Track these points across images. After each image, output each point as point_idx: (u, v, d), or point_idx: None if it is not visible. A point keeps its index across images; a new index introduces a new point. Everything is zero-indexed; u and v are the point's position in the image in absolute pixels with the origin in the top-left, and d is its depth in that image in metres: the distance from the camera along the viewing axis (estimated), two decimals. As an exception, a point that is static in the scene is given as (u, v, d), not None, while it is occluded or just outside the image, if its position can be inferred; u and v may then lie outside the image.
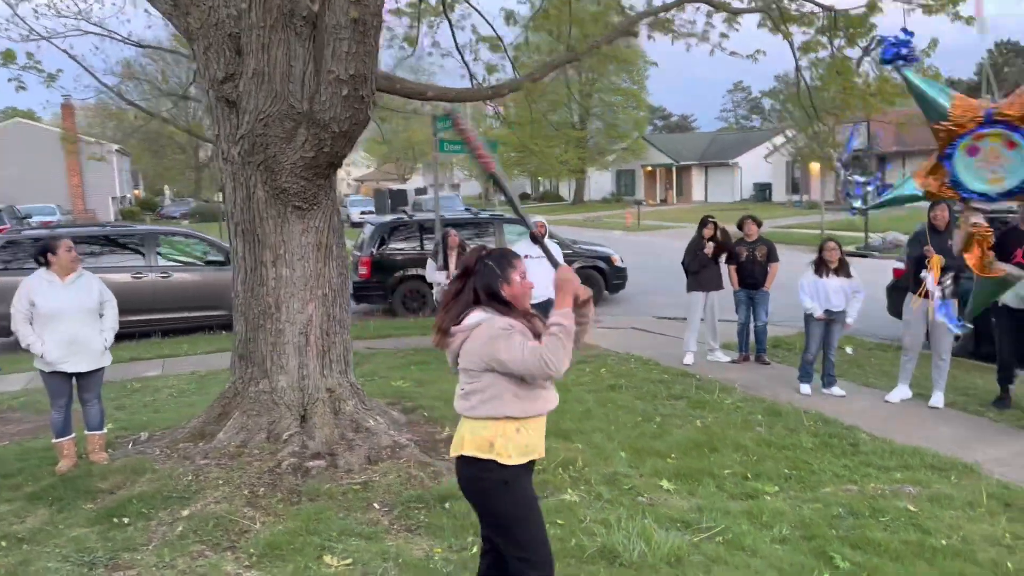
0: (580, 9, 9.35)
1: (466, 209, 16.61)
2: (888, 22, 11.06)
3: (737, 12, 9.14)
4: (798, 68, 10.04)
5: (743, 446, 5.97)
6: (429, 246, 13.41)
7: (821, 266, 7.58)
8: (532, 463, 3.03)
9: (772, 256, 8.68)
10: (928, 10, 10.04)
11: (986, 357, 8.90)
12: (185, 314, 12.01)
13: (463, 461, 2.98)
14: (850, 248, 18.59)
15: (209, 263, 12.50)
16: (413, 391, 7.71)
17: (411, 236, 13.73)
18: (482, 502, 2.99)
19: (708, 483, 5.23)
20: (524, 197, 64.51)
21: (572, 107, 44.45)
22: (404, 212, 15.49)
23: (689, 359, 8.97)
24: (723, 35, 9.60)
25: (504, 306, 2.98)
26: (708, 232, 8.85)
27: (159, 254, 12.16)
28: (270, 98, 5.31)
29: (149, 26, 68.35)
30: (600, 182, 54.76)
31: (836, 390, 7.60)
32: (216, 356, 10.19)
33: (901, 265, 10.25)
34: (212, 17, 5.37)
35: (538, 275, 8.99)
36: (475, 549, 4.17)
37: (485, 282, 3.00)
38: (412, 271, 13.39)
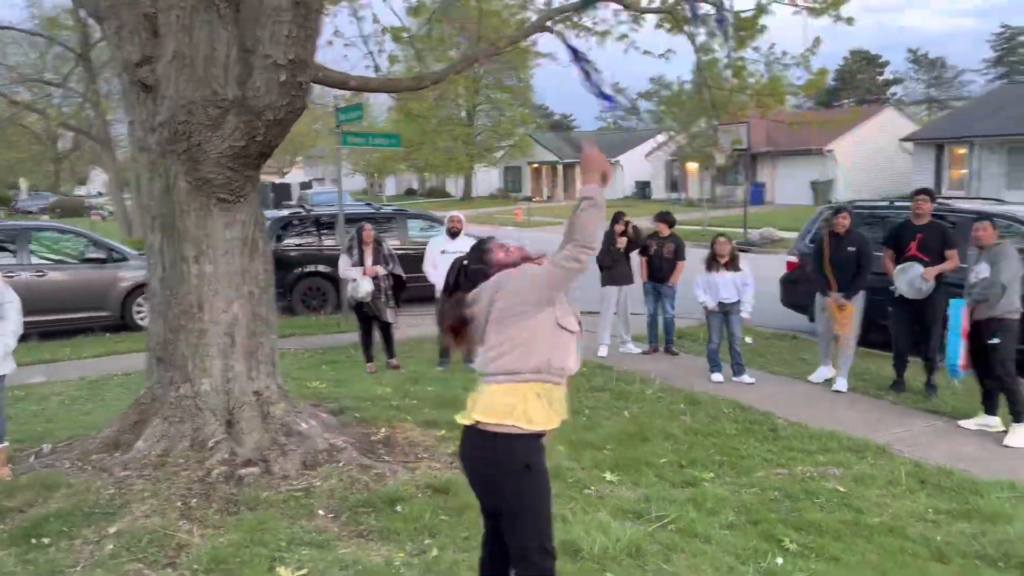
0: (491, 2, 9.32)
1: (366, 204, 16.20)
2: (777, 23, 11.55)
3: (645, 11, 9.34)
4: (699, 68, 10.37)
5: (672, 435, 6.12)
6: (328, 241, 13.01)
7: (712, 261, 7.90)
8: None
9: (680, 254, 8.96)
10: (814, 12, 10.60)
11: (874, 344, 9.54)
12: (64, 316, 11.14)
13: (477, 431, 2.88)
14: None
15: (87, 261, 11.65)
16: (332, 392, 7.46)
17: (308, 231, 13.26)
18: (503, 478, 2.87)
19: (648, 472, 5.32)
20: (410, 192, 63.96)
21: (460, 103, 44.40)
22: (302, 206, 14.93)
23: (603, 351, 9.12)
24: (624, 35, 9.79)
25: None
26: (620, 228, 9.02)
27: (32, 252, 11.23)
28: (192, 83, 4.97)
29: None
30: (487, 179, 54.97)
31: (746, 378, 7.94)
32: (106, 360, 9.53)
33: (794, 259, 10.83)
34: (125, -5, 4.97)
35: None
36: (435, 552, 4.07)
37: (477, 277, 2.92)
38: (311, 267, 12.96)
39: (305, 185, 45.53)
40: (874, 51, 72.32)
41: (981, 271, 6.21)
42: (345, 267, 8.56)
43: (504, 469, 2.86)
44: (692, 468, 5.43)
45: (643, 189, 44.50)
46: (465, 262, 3.06)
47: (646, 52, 8.73)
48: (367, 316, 8.66)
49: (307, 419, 5.53)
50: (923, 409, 6.97)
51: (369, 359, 8.73)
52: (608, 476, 5.22)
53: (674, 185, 41.79)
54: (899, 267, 7.35)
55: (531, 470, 2.84)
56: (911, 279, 7.22)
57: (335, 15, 10.33)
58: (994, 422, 6.29)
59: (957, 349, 6.29)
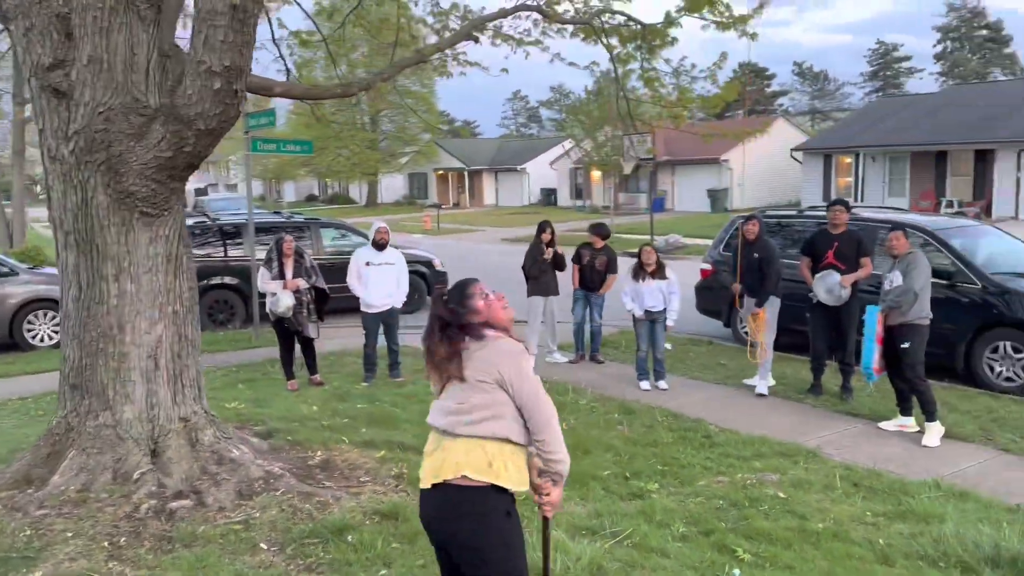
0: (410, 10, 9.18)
1: (274, 212, 15.64)
2: (686, 35, 11.94)
3: (565, 22, 9.40)
4: (617, 78, 10.52)
5: (612, 446, 6.13)
6: (235, 252, 12.48)
7: (639, 270, 8.03)
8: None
9: (612, 267, 9.04)
10: (721, 26, 10.95)
11: (786, 348, 9.91)
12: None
13: (450, 488, 2.74)
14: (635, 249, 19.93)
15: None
16: (254, 412, 7.11)
17: (212, 241, 12.65)
18: (468, 534, 2.74)
19: (595, 486, 5.30)
20: (311, 199, 62.44)
21: (363, 107, 43.67)
22: (205, 214, 14.26)
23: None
24: (537, 41, 9.84)
25: (491, 329, 2.79)
26: (546, 237, 9.03)
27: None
28: (111, 89, 4.64)
29: None
30: (392, 185, 54.30)
31: (662, 384, 8.07)
32: (-2, 383, 8.80)
33: (708, 266, 11.14)
34: (34, -7, 4.59)
35: (381, 283, 8.69)
36: (392, 582, 3.90)
37: (455, 320, 2.80)
38: (217, 280, 12.39)
39: (200, 191, 43.74)
40: (761, 64, 75.68)
41: (895, 279, 6.50)
42: (264, 281, 8.19)
43: (475, 517, 2.74)
44: (637, 479, 5.45)
45: (548, 196, 44.97)
46: (445, 297, 2.93)
47: (571, 64, 8.75)
48: (288, 331, 8.32)
49: (238, 445, 5.24)
50: (842, 412, 7.25)
51: (290, 376, 8.39)
52: (556, 492, 5.16)
53: (578, 192, 42.41)
54: (818, 275, 7.65)
55: (510, 515, 2.76)
56: (829, 286, 7.51)
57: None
58: (910, 423, 6.60)
59: (872, 354, 6.58)
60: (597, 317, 9.15)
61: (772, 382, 7.95)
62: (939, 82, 66.62)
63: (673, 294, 8.03)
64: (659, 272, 7.95)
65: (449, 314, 2.87)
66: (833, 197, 31.17)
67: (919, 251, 6.73)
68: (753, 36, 11.02)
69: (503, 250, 24.47)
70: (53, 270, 14.61)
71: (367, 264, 8.37)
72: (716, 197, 35.17)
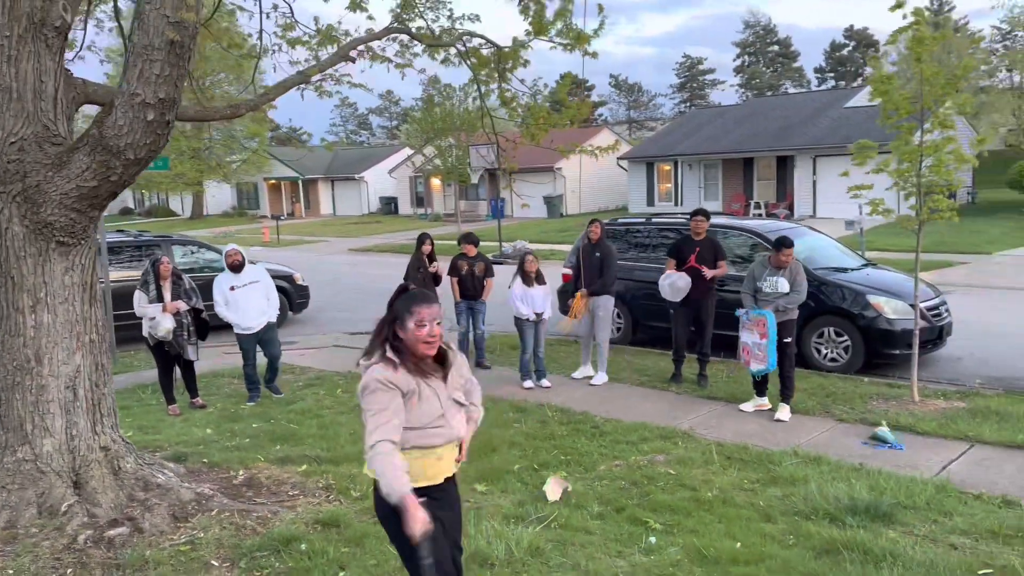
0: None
1: (119, 231, 14.81)
2: (536, 55, 12.72)
3: (433, 45, 9.82)
4: (481, 96, 11.07)
5: (516, 443, 6.64)
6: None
7: (526, 276, 8.68)
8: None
9: (489, 272, 9.56)
10: (567, 48, 11.83)
11: (642, 343, 10.90)
12: None
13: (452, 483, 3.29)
14: (488, 256, 20.67)
15: None
16: (148, 439, 6.98)
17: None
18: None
19: (510, 479, 5.79)
20: (126, 212, 58.43)
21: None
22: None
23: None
24: (408, 62, 10.25)
25: (396, 352, 3.11)
26: (427, 248, 9.41)
27: None
28: (21, 118, 4.57)
29: None
30: (219, 196, 51.92)
31: (544, 382, 8.73)
32: None
33: (569, 271, 11.96)
34: (-67, 20, 4.43)
35: (251, 303, 8.69)
36: (354, 581, 4.19)
37: (391, 317, 3.15)
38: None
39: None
40: (581, 76, 79.36)
41: (779, 284, 7.36)
42: (141, 304, 7.98)
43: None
44: (545, 470, 5.98)
45: (388, 205, 44.91)
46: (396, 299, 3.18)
47: (414, 98, 9.16)
48: (167, 355, 8.16)
49: (161, 470, 5.25)
50: (703, 397, 8.19)
51: (171, 401, 8.24)
52: (478, 487, 5.60)
53: (419, 201, 42.72)
54: (662, 276, 8.65)
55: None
56: (672, 282, 8.47)
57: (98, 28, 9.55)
58: (764, 402, 7.61)
59: (774, 352, 7.38)
60: (481, 325, 9.64)
61: (606, 378, 8.91)
62: (739, 93, 73.07)
63: (548, 297, 8.76)
64: (540, 278, 8.63)
65: (395, 308, 3.14)
66: (656, 202, 33.63)
67: (799, 262, 7.64)
68: (594, 55, 12.02)
69: (354, 260, 24.41)
70: None
71: (231, 288, 8.33)
72: (552, 203, 36.74)
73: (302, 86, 7.93)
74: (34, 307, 4.70)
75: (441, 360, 3.24)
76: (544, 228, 30.06)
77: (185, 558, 4.40)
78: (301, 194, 48.66)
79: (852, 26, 71.39)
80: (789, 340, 7.38)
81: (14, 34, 4.52)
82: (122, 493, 4.91)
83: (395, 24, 9.15)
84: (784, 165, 30.18)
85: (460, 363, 3.33)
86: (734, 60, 75.94)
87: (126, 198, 60.09)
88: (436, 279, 9.54)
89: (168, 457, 6.14)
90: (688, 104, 73.86)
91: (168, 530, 4.68)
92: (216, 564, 4.38)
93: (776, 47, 74.45)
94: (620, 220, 12.21)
